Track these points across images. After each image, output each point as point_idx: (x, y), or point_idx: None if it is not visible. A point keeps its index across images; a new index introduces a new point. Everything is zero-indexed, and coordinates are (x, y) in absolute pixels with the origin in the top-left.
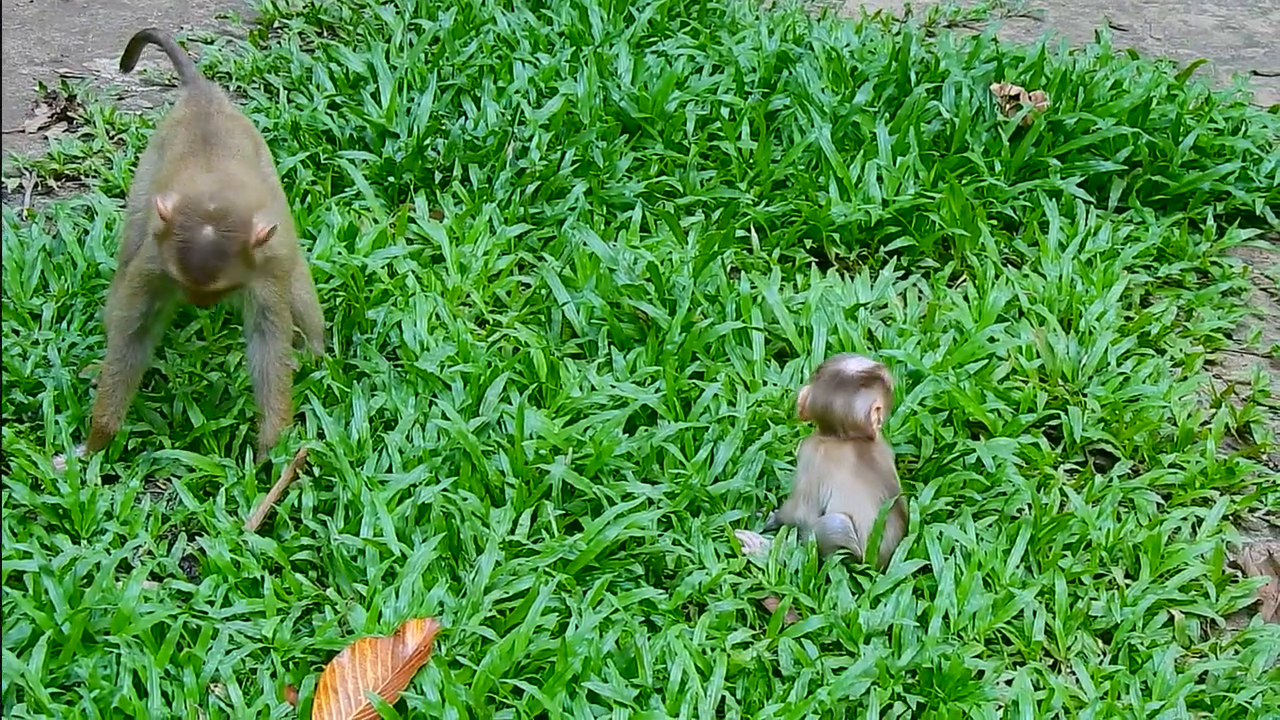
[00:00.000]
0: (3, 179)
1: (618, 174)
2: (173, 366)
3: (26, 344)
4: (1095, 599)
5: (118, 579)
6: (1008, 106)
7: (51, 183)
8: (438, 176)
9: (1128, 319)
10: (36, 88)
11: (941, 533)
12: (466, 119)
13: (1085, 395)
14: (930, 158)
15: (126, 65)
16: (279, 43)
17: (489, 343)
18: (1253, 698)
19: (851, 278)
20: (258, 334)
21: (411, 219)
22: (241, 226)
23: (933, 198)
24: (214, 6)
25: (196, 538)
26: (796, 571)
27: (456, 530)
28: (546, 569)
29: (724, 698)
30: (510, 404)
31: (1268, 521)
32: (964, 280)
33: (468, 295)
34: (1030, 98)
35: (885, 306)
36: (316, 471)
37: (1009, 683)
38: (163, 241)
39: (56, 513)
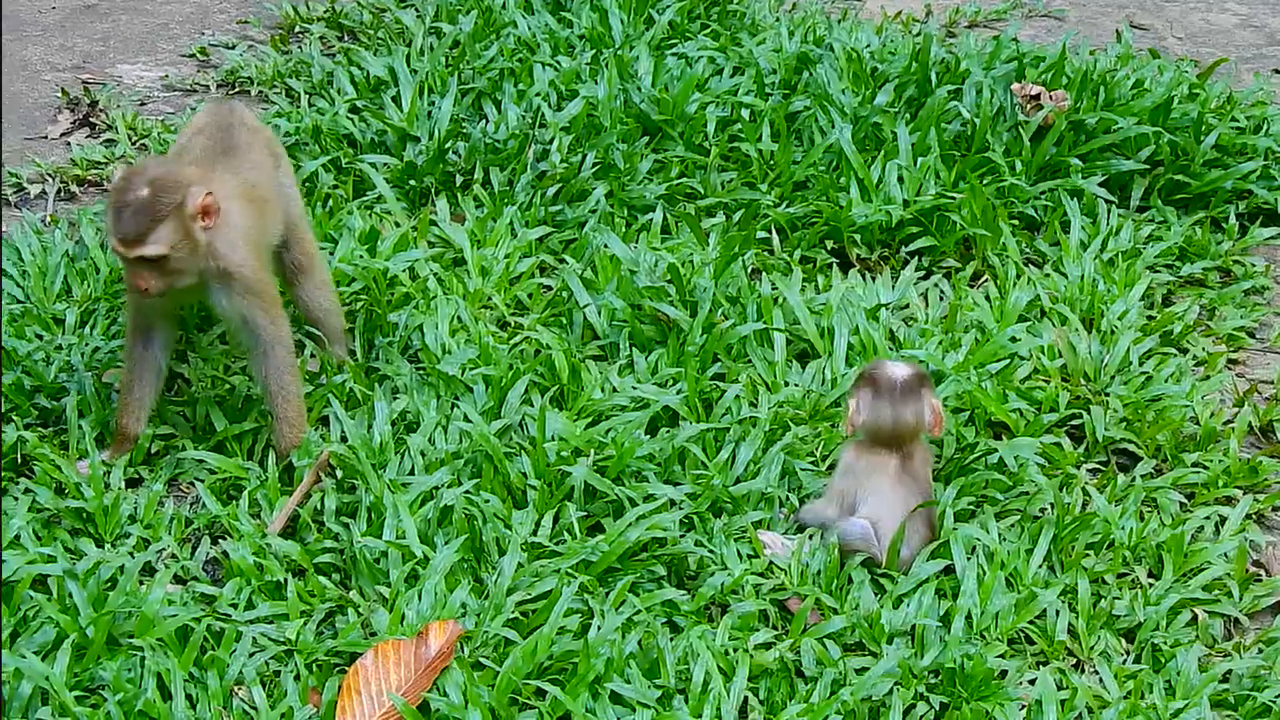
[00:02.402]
0: (2, 182)
1: (639, 176)
2: (195, 370)
3: (50, 349)
4: (1118, 598)
5: (141, 582)
6: (1029, 106)
7: (74, 188)
8: (459, 179)
9: (1150, 318)
10: (59, 94)
11: (963, 532)
12: (487, 122)
13: (1107, 395)
14: (951, 158)
15: None
16: (300, 47)
17: (510, 345)
18: (1277, 696)
19: (873, 278)
20: (251, 351)
21: (433, 222)
22: (175, 189)
23: (954, 198)
24: (235, 11)
25: (220, 541)
26: (819, 572)
27: (479, 532)
28: (569, 570)
29: (746, 698)
30: (532, 406)
31: None
32: (985, 280)
33: (489, 298)
34: (1051, 97)
35: (907, 307)
36: (339, 474)
37: (1032, 682)
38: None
39: (80, 516)
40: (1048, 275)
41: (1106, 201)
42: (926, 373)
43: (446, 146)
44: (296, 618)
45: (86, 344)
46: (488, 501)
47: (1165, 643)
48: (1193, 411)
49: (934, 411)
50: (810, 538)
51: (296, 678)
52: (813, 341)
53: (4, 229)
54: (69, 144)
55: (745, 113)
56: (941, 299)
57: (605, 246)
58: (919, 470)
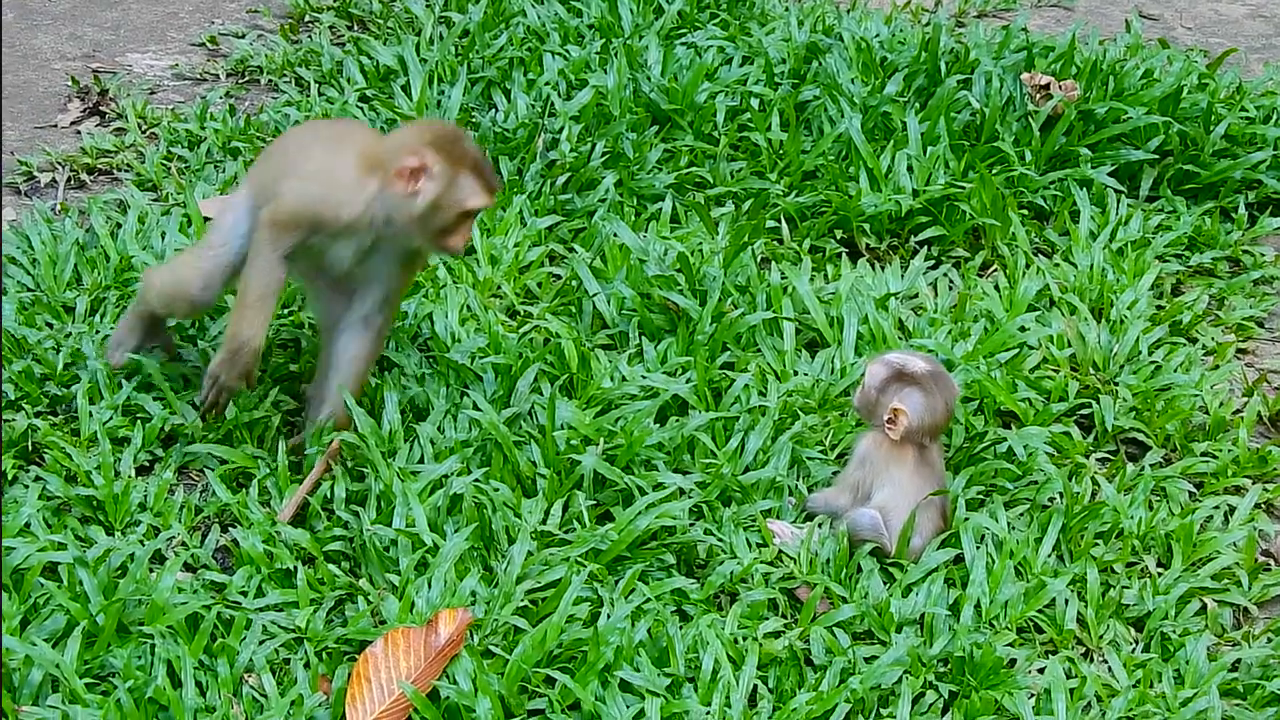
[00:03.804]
0: (1, 168)
1: (648, 165)
2: (206, 359)
3: (60, 337)
4: (1127, 587)
5: (151, 570)
6: (1038, 96)
7: (84, 177)
8: None
9: (1159, 308)
10: (69, 82)
11: (972, 521)
12: (497, 111)
13: (1116, 384)
14: (960, 147)
15: None
16: (309, 36)
17: (520, 334)
18: None
19: (882, 268)
20: (363, 324)
21: None
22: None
23: (963, 187)
24: (245, 0)
25: (230, 529)
26: (828, 561)
27: (488, 520)
28: (578, 559)
29: (756, 687)
30: (541, 395)
31: None
32: (995, 270)
33: (499, 287)
34: (1061, 87)
35: (916, 296)
36: (349, 463)
37: (1041, 671)
38: (451, 174)
39: (91, 504)
40: (1057, 265)
41: (1116, 191)
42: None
43: None
44: (306, 605)
45: (96, 332)
46: (497, 490)
47: (1174, 632)
48: (1202, 401)
49: (958, 390)
50: (819, 526)
51: (306, 665)
52: (822, 331)
53: (14, 218)
54: (79, 132)
55: (754, 102)
56: (951, 288)
57: (614, 235)
58: (935, 460)
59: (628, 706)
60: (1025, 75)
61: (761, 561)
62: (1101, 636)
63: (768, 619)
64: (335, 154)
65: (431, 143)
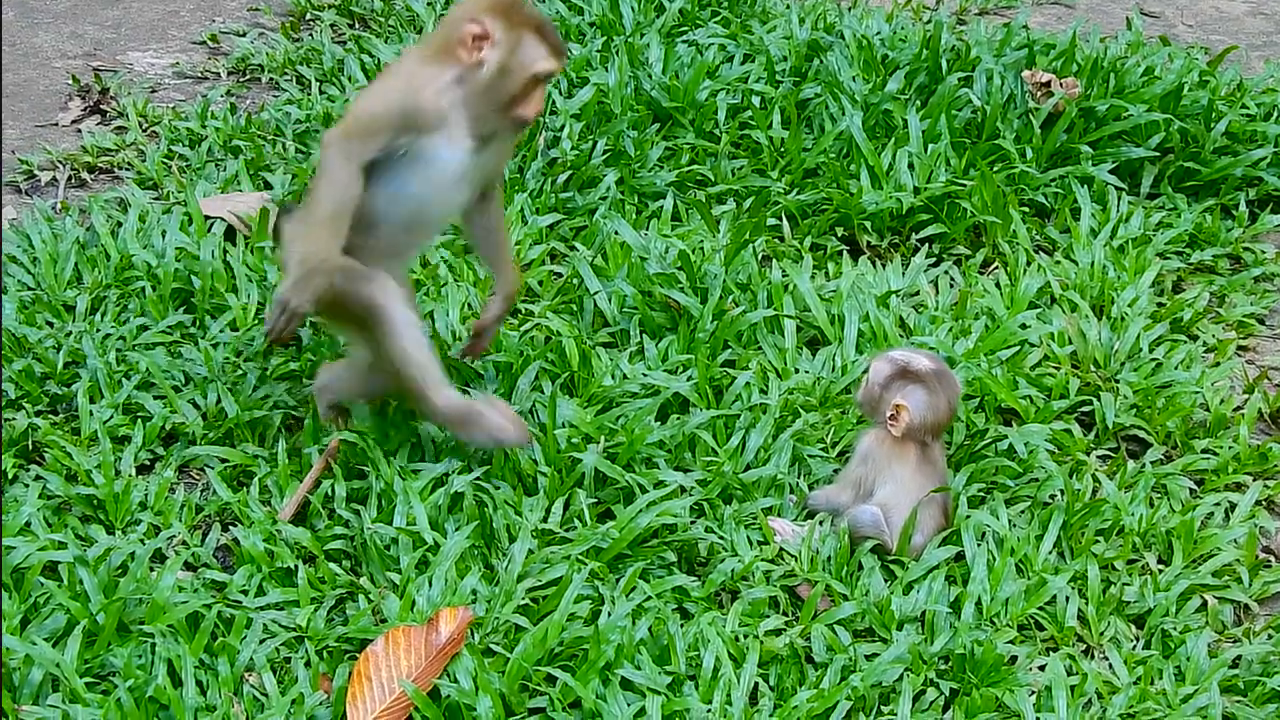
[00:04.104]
0: (1, 170)
1: (649, 163)
2: (208, 359)
3: (60, 335)
4: (1128, 584)
5: (152, 569)
6: (1039, 93)
7: (85, 175)
8: None
9: (1160, 305)
10: (70, 81)
11: (973, 518)
12: None
13: (1117, 381)
14: (962, 145)
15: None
16: (311, 34)
17: (521, 332)
18: None
19: (883, 265)
20: (483, 199)
21: None
22: None
23: (964, 185)
24: None
25: (230, 528)
26: (829, 558)
27: (489, 519)
28: (579, 557)
29: (757, 684)
30: (542, 393)
31: None
32: (996, 267)
33: None
34: (1062, 84)
35: (917, 294)
36: (349, 461)
37: (1042, 668)
38: (515, 37)
39: (91, 503)
40: (1058, 262)
41: (1117, 188)
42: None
43: None
44: (307, 604)
45: (97, 330)
46: (498, 488)
47: (1175, 629)
48: (1202, 398)
49: (960, 389)
50: (820, 524)
51: (307, 664)
52: (823, 328)
53: (15, 216)
54: (79, 131)
55: (756, 100)
56: (952, 286)
57: (616, 233)
58: (937, 457)
59: (629, 705)
60: (1026, 73)
61: (762, 559)
62: (1102, 633)
63: (769, 616)
64: (402, 60)
65: (489, 7)
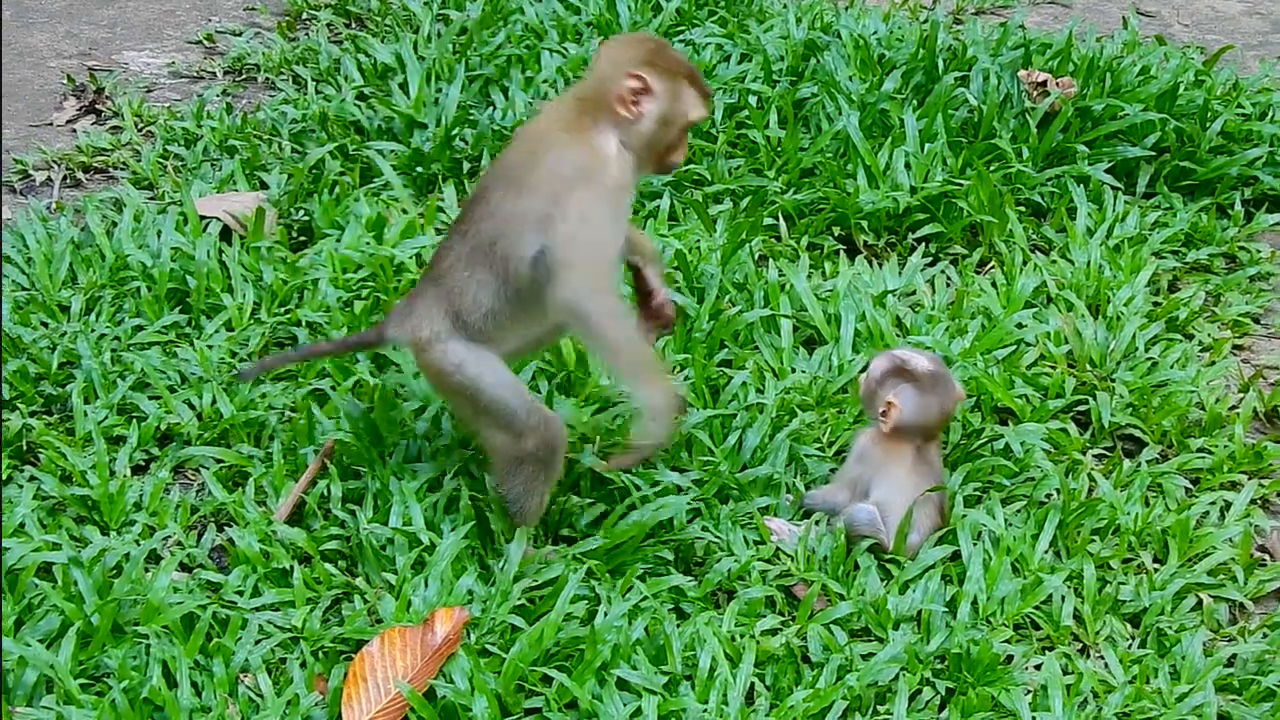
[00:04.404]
0: (1, 171)
1: None
2: (204, 359)
3: (55, 336)
4: (1124, 583)
5: (147, 570)
6: (1035, 93)
7: (80, 175)
8: (466, 166)
9: (1156, 304)
10: (65, 81)
11: (969, 518)
12: (495, 109)
13: (1113, 380)
14: (958, 144)
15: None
16: (307, 34)
17: None
18: None
19: (880, 265)
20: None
21: (440, 209)
22: None
23: (961, 184)
24: None
25: (225, 528)
26: (825, 558)
27: (485, 519)
28: (576, 557)
29: (753, 684)
30: (539, 393)
31: None
32: (992, 266)
33: None
34: (1058, 84)
35: (914, 293)
36: (345, 461)
37: (1038, 667)
38: (672, 86)
39: (86, 504)
40: (1054, 261)
41: (1113, 188)
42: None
43: (454, 133)
44: (302, 605)
45: (92, 331)
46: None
47: (1170, 628)
48: (1198, 397)
49: (959, 394)
50: (817, 524)
51: (302, 665)
52: (820, 328)
53: (9, 216)
54: (74, 131)
55: (753, 99)
56: (948, 285)
57: None
58: (933, 457)
59: (625, 705)
60: (1022, 72)
61: (759, 559)
62: (1098, 632)
63: (765, 616)
64: (565, 147)
65: (643, 60)
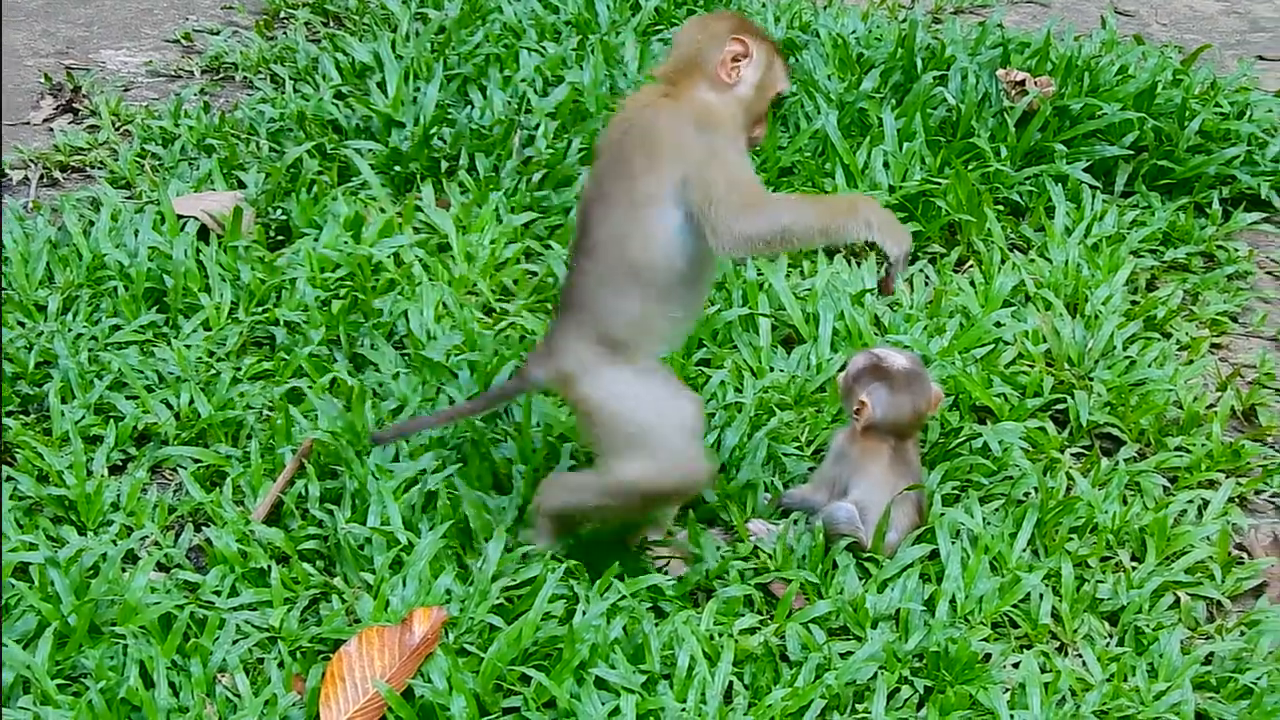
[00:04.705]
0: (4, 171)
1: None
2: (182, 358)
3: (32, 335)
4: (1101, 582)
5: (124, 570)
6: (1014, 92)
7: (57, 174)
8: (444, 165)
9: (1134, 303)
10: (42, 79)
11: (947, 516)
12: (473, 108)
13: (1091, 379)
14: (936, 144)
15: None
16: (285, 33)
17: (496, 331)
18: (1258, 678)
19: (858, 263)
20: None
21: (418, 208)
22: None
23: (939, 184)
24: None
25: (203, 528)
26: (804, 557)
27: (464, 518)
28: (554, 556)
29: (731, 683)
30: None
31: (1273, 504)
32: (970, 265)
33: (474, 284)
34: (1036, 83)
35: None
36: (323, 460)
37: (1016, 666)
38: (768, 54)
39: (63, 504)
40: (1032, 260)
41: (1091, 187)
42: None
43: (432, 133)
44: (280, 605)
45: (69, 330)
46: (473, 487)
47: (1148, 626)
48: (1176, 396)
49: (936, 395)
50: (795, 523)
51: (280, 665)
52: (798, 327)
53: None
54: (51, 130)
55: None
56: (926, 284)
57: None
58: (911, 456)
59: (603, 704)
60: (1001, 71)
61: (737, 558)
62: (1076, 631)
63: (743, 615)
64: (668, 110)
65: (739, 27)
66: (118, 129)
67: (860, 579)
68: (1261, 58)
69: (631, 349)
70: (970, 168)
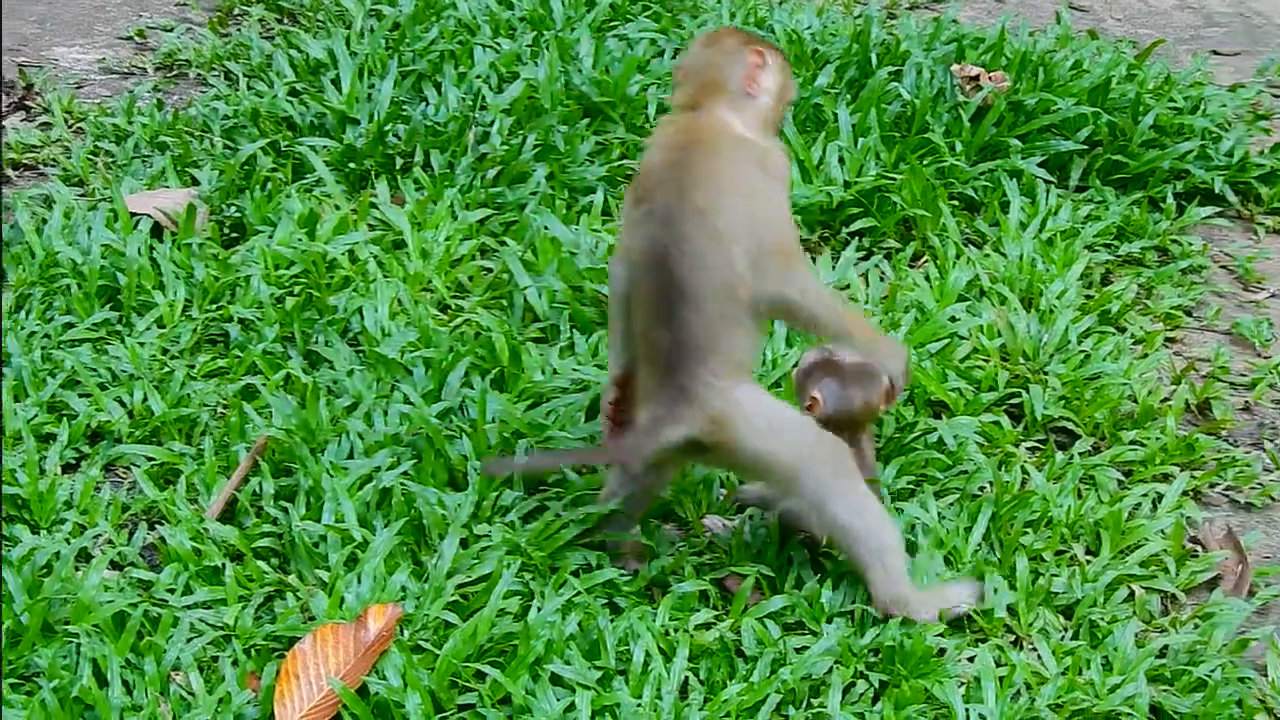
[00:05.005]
0: (4, 167)
1: (579, 158)
2: (135, 356)
3: None
4: (1056, 575)
5: (77, 568)
6: (968, 87)
7: (9, 172)
8: (399, 162)
9: (1088, 297)
10: None
11: (903, 511)
12: (427, 104)
13: (1046, 373)
14: (891, 139)
15: None
16: (239, 30)
17: (451, 328)
18: (1212, 671)
19: (814, 259)
20: None
21: (373, 205)
22: None
23: (894, 179)
24: None
25: (157, 526)
26: (759, 552)
27: (418, 515)
28: (509, 553)
29: (687, 678)
30: (472, 389)
31: (1227, 497)
32: (925, 260)
33: (429, 280)
34: (990, 78)
35: (848, 287)
36: (277, 457)
37: (971, 659)
38: (781, 64)
39: (15, 503)
40: (987, 255)
41: (1045, 181)
42: None
43: (386, 129)
44: (234, 603)
45: (21, 328)
46: (427, 484)
47: (1103, 619)
48: (1130, 390)
49: (888, 390)
50: (750, 518)
51: (234, 663)
52: None
53: None
54: (3, 127)
55: None
56: (882, 279)
57: (546, 228)
58: (865, 451)
59: (558, 700)
60: (955, 66)
61: (693, 553)
62: (1031, 625)
63: (699, 610)
64: (722, 149)
65: (749, 40)
66: (70, 126)
67: (815, 574)
68: (1215, 53)
69: (749, 373)
70: (925, 163)
